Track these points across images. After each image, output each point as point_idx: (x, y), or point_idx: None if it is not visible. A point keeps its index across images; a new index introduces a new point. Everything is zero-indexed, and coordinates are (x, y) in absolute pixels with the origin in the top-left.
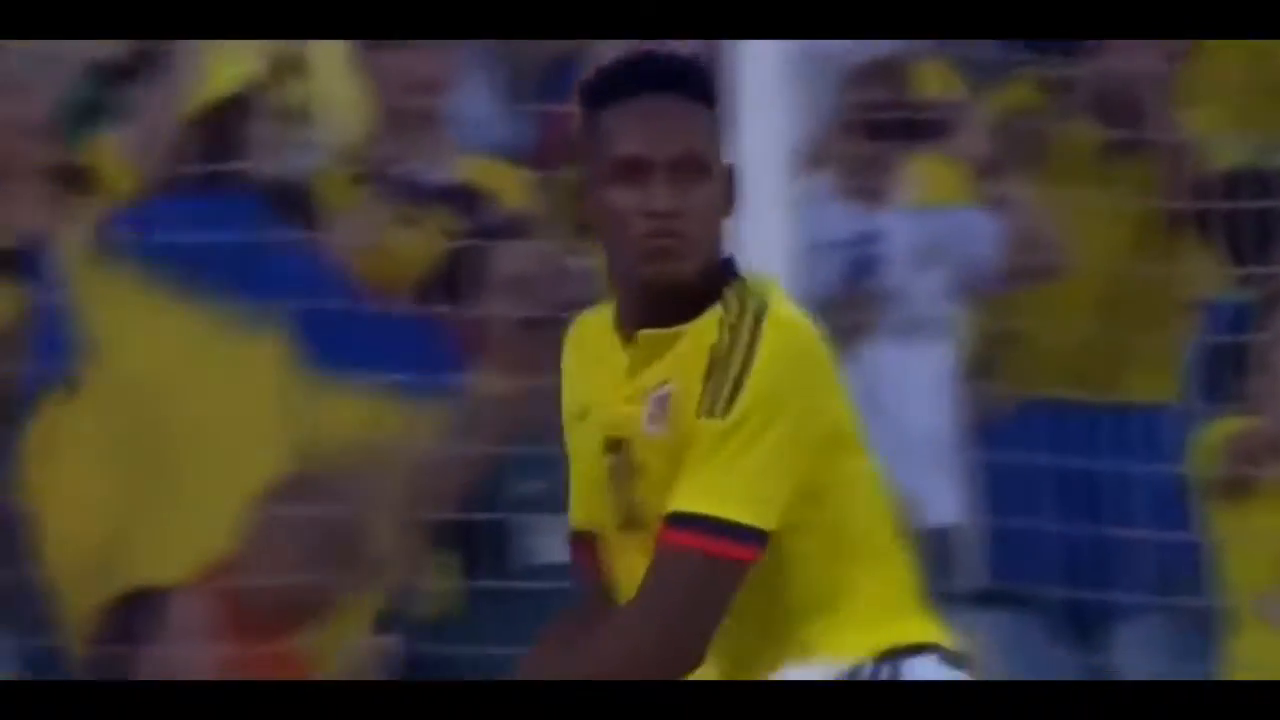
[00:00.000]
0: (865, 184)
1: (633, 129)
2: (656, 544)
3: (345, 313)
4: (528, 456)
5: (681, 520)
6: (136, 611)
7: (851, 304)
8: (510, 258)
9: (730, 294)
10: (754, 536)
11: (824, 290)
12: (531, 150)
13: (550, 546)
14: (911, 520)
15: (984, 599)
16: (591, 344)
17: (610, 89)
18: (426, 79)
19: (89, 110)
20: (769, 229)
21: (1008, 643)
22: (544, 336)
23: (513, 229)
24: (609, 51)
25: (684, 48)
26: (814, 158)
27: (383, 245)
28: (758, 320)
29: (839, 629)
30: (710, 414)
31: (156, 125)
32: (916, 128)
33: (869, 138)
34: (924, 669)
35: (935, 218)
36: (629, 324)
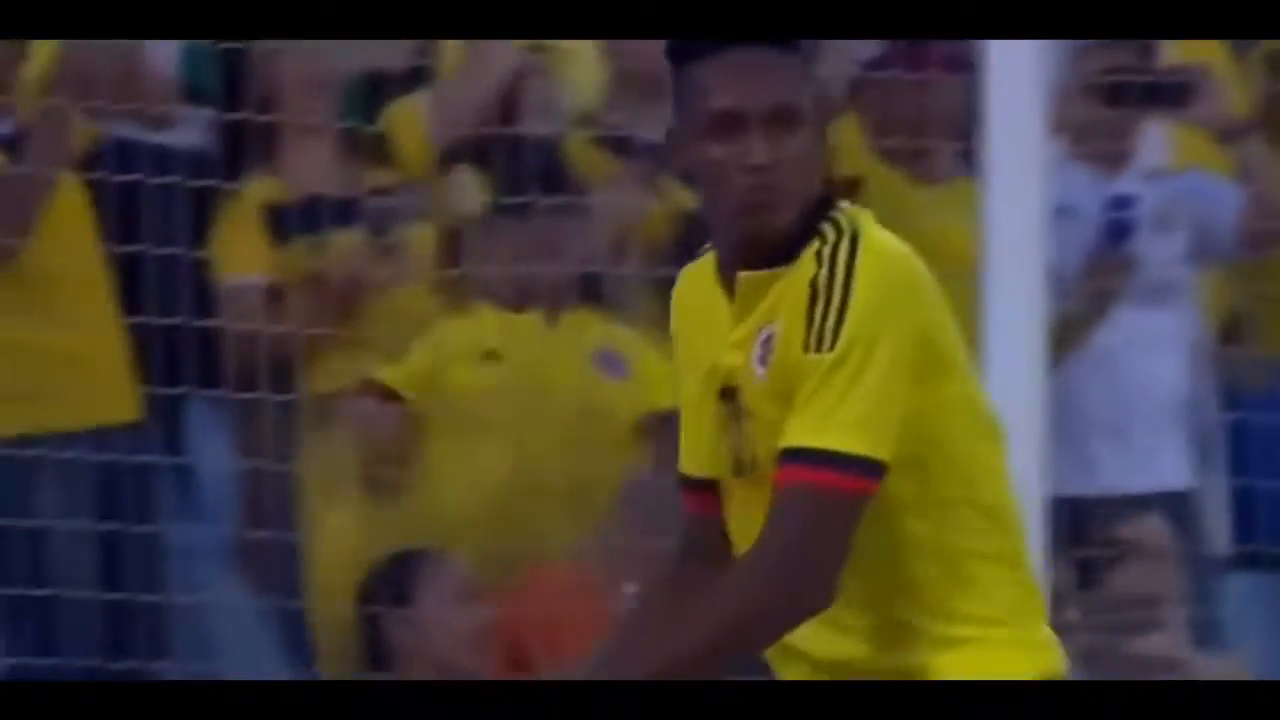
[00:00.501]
0: (1107, 149)
1: (726, 82)
2: (773, 484)
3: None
4: None
5: (796, 455)
6: (406, 571)
7: (1105, 268)
8: None
9: (826, 227)
10: (871, 467)
11: (1076, 255)
12: None
13: None
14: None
15: (1233, 563)
16: (696, 295)
17: (699, 46)
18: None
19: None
20: (1019, 195)
21: (1258, 606)
22: None
23: None
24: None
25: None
26: (1054, 123)
27: (644, 211)
28: (853, 250)
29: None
30: (817, 349)
31: (462, 97)
32: (1158, 93)
33: (1110, 104)
34: None
35: (1175, 183)
36: (729, 271)
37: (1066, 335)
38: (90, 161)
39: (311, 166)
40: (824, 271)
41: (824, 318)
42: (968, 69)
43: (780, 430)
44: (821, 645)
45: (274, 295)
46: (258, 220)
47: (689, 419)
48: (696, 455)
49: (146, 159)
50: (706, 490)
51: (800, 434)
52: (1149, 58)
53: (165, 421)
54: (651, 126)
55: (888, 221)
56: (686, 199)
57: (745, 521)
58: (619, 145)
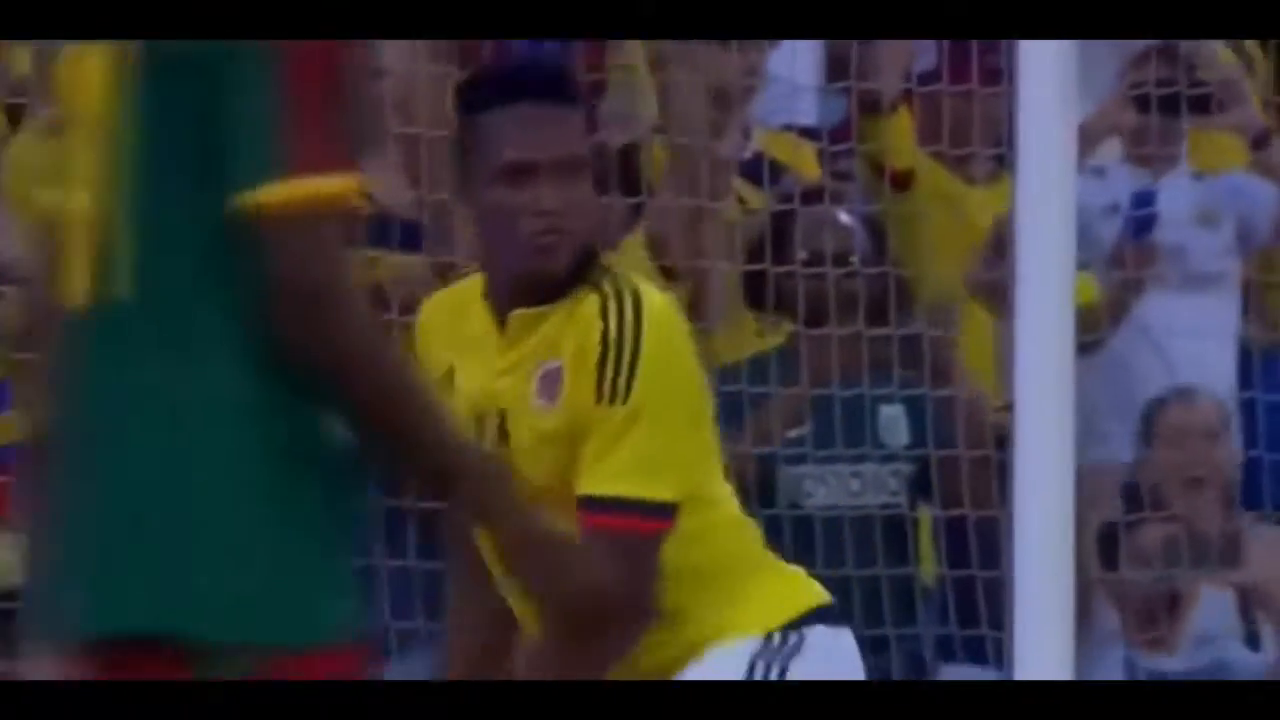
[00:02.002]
0: (1150, 153)
1: (516, 134)
2: (581, 527)
3: None
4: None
5: (601, 503)
6: None
7: (1130, 260)
8: (804, 224)
9: (604, 281)
10: (666, 508)
11: (1103, 248)
12: (837, 124)
13: (815, 489)
14: None
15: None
16: (454, 319)
17: (490, 97)
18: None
19: None
20: (1051, 194)
21: None
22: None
23: (808, 197)
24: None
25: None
26: (1098, 129)
27: (701, 213)
28: (637, 309)
29: (737, 597)
30: (610, 401)
31: None
32: (1196, 102)
33: (1152, 111)
34: (821, 635)
35: (1214, 183)
36: (500, 304)
37: (1101, 318)
38: None
39: (385, 184)
40: (613, 327)
41: (615, 373)
42: (1005, 80)
43: (543, 454)
44: None
45: None
46: None
47: None
48: None
49: None
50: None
51: (601, 482)
52: (1189, 68)
53: None
54: (724, 138)
55: (940, 214)
56: (755, 199)
57: None
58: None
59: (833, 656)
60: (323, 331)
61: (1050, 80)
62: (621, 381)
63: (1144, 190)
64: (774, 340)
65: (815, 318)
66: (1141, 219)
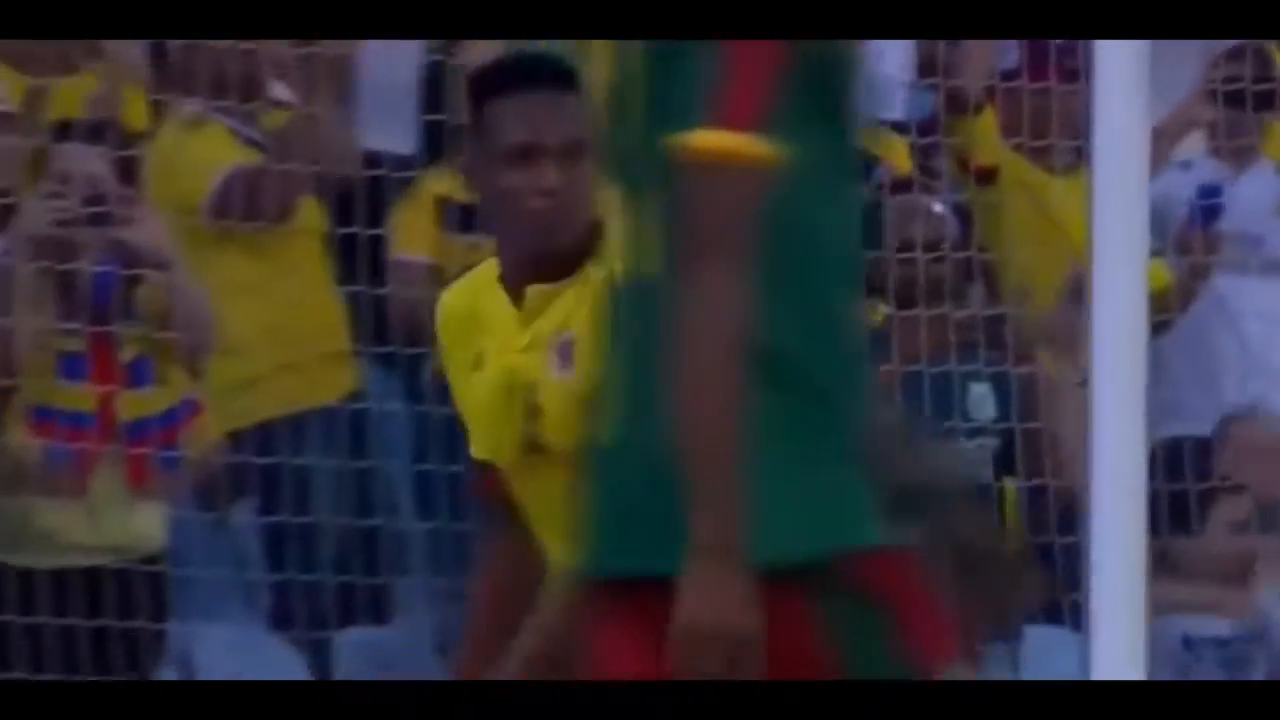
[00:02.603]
0: (1229, 146)
1: (523, 119)
2: None
3: None
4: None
5: None
6: None
7: (1196, 247)
8: (895, 212)
9: (611, 253)
10: None
11: (1174, 236)
12: (925, 119)
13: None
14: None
15: None
16: (473, 306)
17: (496, 85)
18: None
19: None
20: (1125, 185)
21: None
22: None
23: (897, 187)
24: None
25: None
26: (1180, 124)
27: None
28: None
29: None
30: None
31: None
32: (1269, 98)
33: (1231, 106)
34: None
35: None
36: (516, 283)
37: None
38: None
39: None
40: None
41: None
42: (1082, 77)
43: (573, 420)
44: None
45: (436, 274)
46: (431, 210)
47: (476, 413)
48: (485, 443)
49: None
50: (492, 471)
51: None
52: (1264, 65)
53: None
54: None
55: (1021, 203)
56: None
57: (540, 498)
58: None
59: None
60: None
61: (1124, 78)
62: None
63: (1212, 183)
64: (868, 322)
65: (906, 301)
66: (1208, 208)
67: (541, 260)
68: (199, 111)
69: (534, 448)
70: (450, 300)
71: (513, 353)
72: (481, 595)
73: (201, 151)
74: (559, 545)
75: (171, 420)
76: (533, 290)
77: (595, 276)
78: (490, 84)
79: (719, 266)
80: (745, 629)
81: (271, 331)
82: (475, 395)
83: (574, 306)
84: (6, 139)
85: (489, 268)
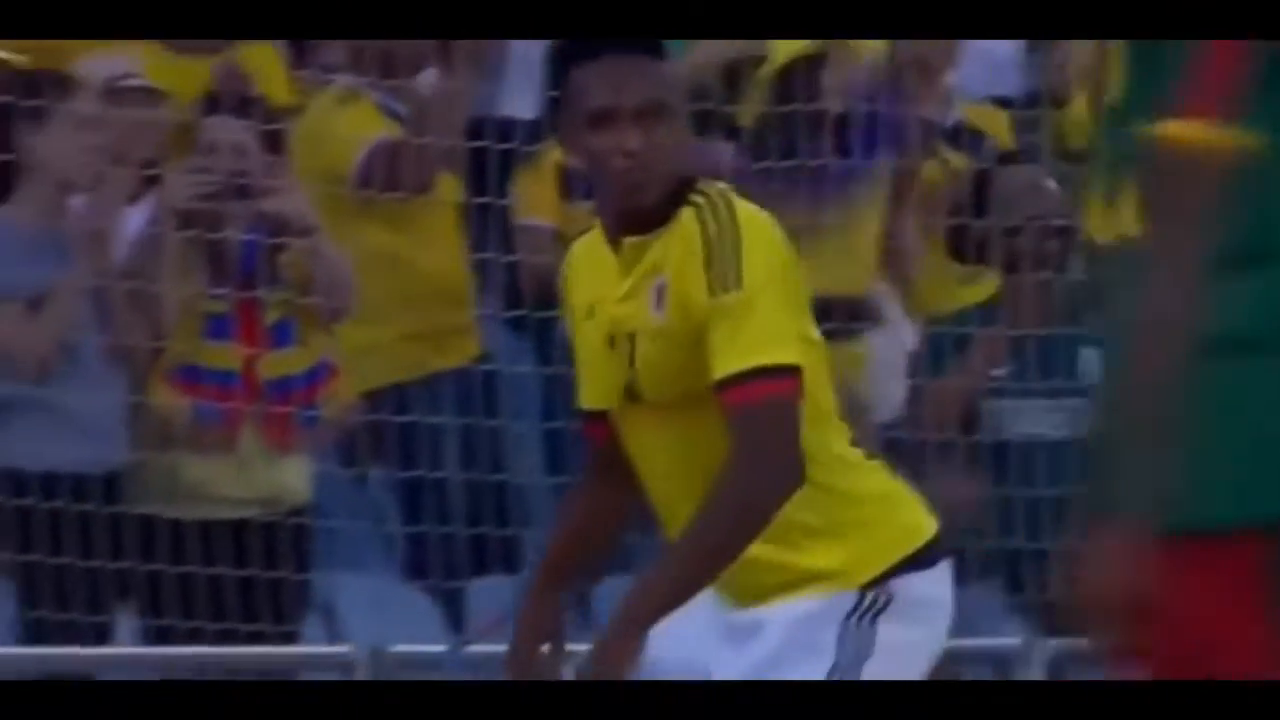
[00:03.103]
0: None
1: (602, 84)
2: (725, 407)
3: None
4: None
5: (737, 379)
6: None
7: None
8: (1003, 182)
9: (696, 197)
10: (793, 370)
11: None
12: (1030, 94)
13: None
14: None
15: None
16: (589, 261)
17: (579, 51)
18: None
19: None
20: None
21: None
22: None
23: (1003, 159)
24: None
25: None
26: None
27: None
28: (730, 208)
29: (844, 528)
30: (725, 290)
31: None
32: None
33: None
34: (912, 586)
35: None
36: (615, 236)
37: None
38: None
39: None
40: (711, 228)
41: (723, 265)
42: None
43: (665, 366)
44: None
45: (560, 239)
46: (553, 176)
47: (585, 358)
48: (592, 391)
49: None
50: (601, 420)
51: (731, 362)
52: None
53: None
54: (927, 105)
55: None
56: (959, 161)
57: (641, 442)
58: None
59: (919, 608)
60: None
61: None
62: (730, 271)
63: None
64: (978, 289)
65: (1012, 269)
66: None
67: (631, 215)
68: (351, 85)
69: (632, 396)
70: (572, 255)
71: (613, 303)
72: (555, 539)
73: (349, 124)
74: (663, 494)
75: (312, 380)
76: (628, 242)
77: (683, 218)
78: (574, 51)
79: (1182, 249)
80: (1137, 594)
81: (405, 299)
82: (585, 345)
83: (663, 254)
84: (149, 113)
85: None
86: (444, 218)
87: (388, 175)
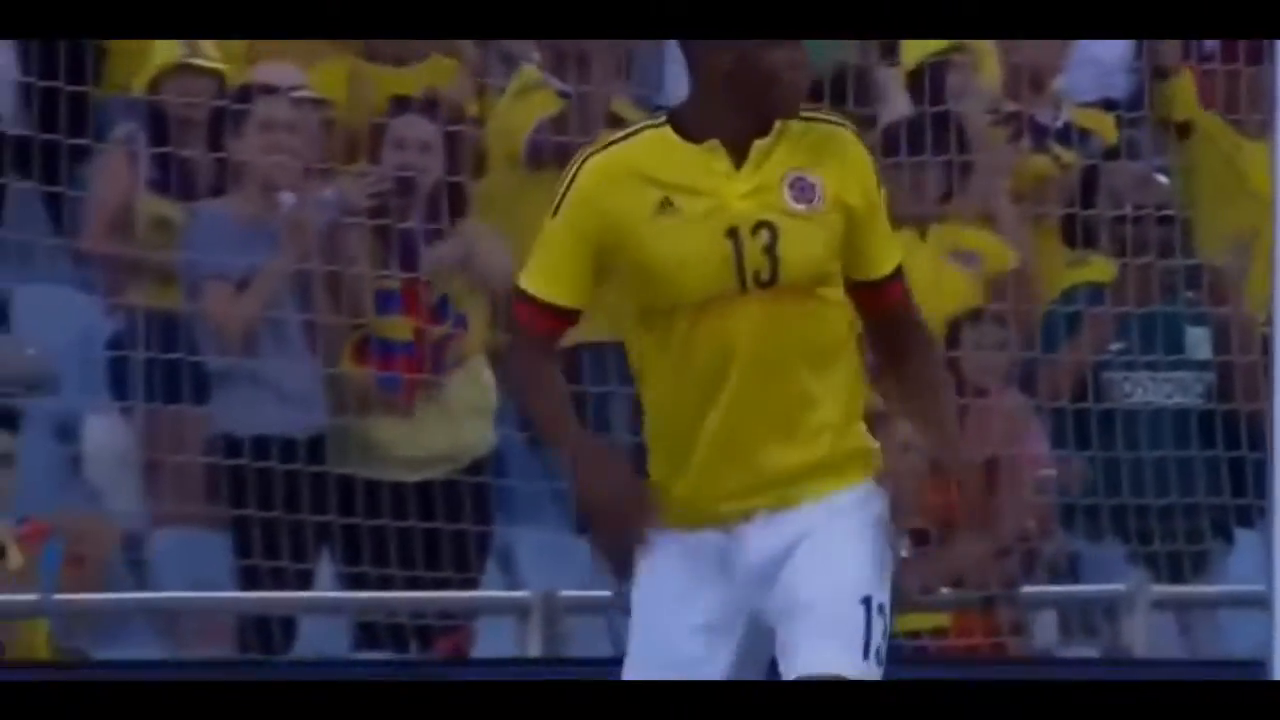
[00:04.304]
0: None
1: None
2: (891, 296)
3: None
4: None
5: (897, 273)
6: None
7: None
8: (1110, 176)
9: (813, 111)
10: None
11: None
12: (1132, 95)
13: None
14: None
15: None
16: (645, 165)
17: None
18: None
19: None
20: None
21: None
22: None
23: (1109, 155)
24: None
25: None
26: None
27: (1017, 167)
28: (857, 134)
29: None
30: (879, 200)
31: None
32: None
33: None
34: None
35: None
36: (740, 142)
37: None
38: None
39: None
40: (864, 146)
41: (877, 177)
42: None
43: (809, 252)
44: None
45: None
46: None
47: (677, 251)
48: (687, 280)
49: None
50: (566, 317)
51: (896, 258)
52: None
53: None
54: (1042, 109)
55: (1217, 164)
56: (1067, 157)
57: (742, 329)
58: (1013, 120)
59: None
60: None
61: None
62: (880, 184)
63: None
64: (1085, 270)
65: (1121, 253)
66: None
67: (768, 122)
68: (538, 77)
69: (761, 282)
70: (608, 165)
71: (735, 199)
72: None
73: (529, 111)
74: (742, 381)
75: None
76: (758, 145)
77: (816, 129)
78: None
79: None
80: None
81: None
82: (672, 239)
83: (789, 154)
84: (316, 118)
85: (648, 139)
86: None
87: (553, 147)
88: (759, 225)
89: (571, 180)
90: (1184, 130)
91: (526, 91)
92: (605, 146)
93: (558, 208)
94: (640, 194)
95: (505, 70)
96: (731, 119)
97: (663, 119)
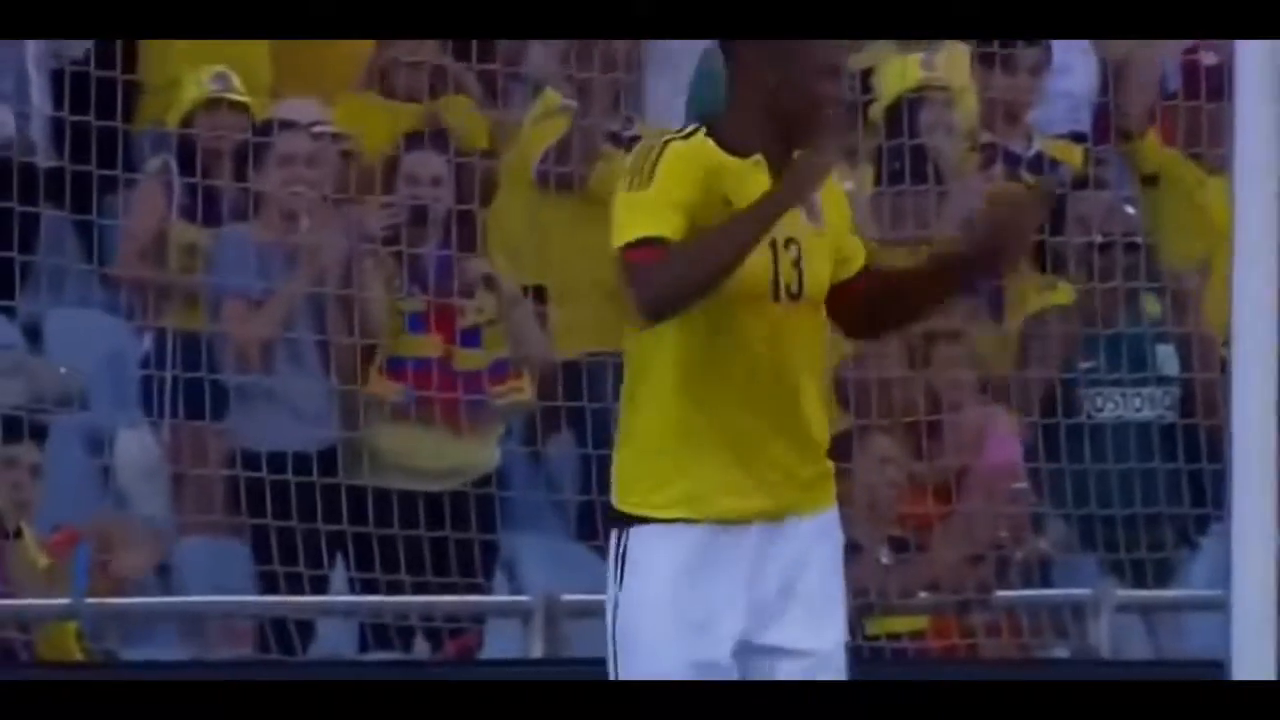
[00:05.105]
0: None
1: (834, 44)
2: (861, 284)
3: None
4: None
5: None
6: None
7: None
8: (1078, 204)
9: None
10: None
11: None
12: (1103, 130)
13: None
14: None
15: None
16: (713, 164)
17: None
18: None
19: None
20: (1260, 207)
21: None
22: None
23: (1077, 185)
24: None
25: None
26: None
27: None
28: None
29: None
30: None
31: None
32: None
33: None
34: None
35: None
36: (779, 158)
37: None
38: None
39: None
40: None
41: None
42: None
43: (824, 267)
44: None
45: None
46: None
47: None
48: (740, 284)
49: None
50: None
51: (863, 254)
52: None
53: None
54: (1015, 141)
55: (1181, 202)
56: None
57: (779, 339)
58: (988, 151)
59: None
60: None
61: (1259, 94)
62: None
63: None
64: (1057, 296)
65: (1089, 277)
66: None
67: (801, 144)
68: (559, 102)
69: (791, 295)
70: (689, 151)
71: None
72: None
73: (543, 135)
74: (771, 387)
75: (498, 370)
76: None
77: (812, 151)
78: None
79: None
80: None
81: (591, 283)
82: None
83: None
84: (331, 151)
85: (701, 141)
86: None
87: (556, 164)
88: (789, 240)
89: (658, 158)
90: (1150, 180)
91: (548, 116)
92: (672, 139)
93: (645, 181)
94: (710, 186)
95: (527, 95)
96: (774, 137)
97: (698, 129)
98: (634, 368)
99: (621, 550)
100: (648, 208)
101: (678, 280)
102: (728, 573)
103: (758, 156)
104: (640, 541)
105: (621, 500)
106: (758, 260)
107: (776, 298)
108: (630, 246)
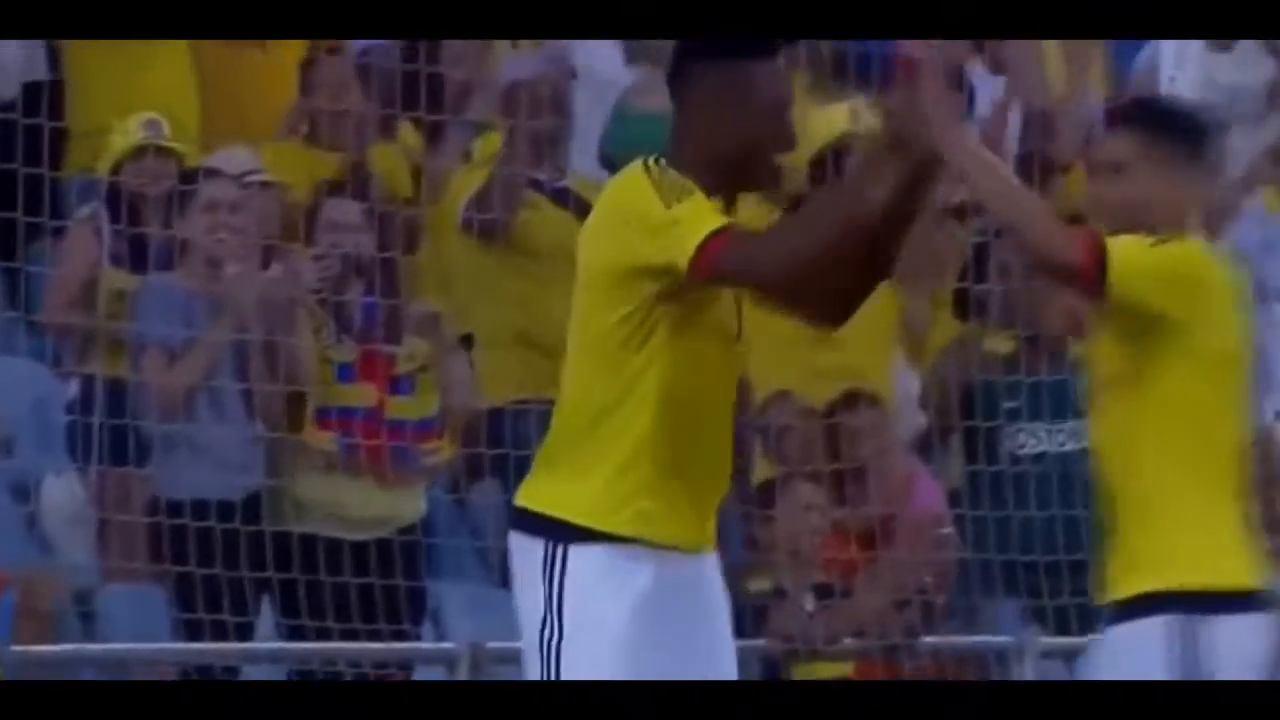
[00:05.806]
0: None
1: (784, 78)
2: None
3: None
4: None
5: None
6: None
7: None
8: (1000, 250)
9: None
10: None
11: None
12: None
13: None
14: None
15: None
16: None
17: (757, 49)
18: None
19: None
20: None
21: None
22: None
23: (999, 232)
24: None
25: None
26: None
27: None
28: None
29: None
30: None
31: None
32: None
33: None
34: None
35: None
36: (729, 197)
37: None
38: None
39: None
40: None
41: None
42: None
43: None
44: None
45: None
46: None
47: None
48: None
49: None
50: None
51: None
52: None
53: None
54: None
55: None
56: (963, 235)
57: (725, 382)
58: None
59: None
60: None
61: None
62: None
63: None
64: (994, 344)
65: (1010, 324)
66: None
67: (748, 187)
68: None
69: (739, 333)
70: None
71: None
72: None
73: (469, 182)
74: (709, 428)
75: (422, 428)
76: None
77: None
78: (751, 48)
79: None
80: None
81: (516, 332)
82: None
83: (746, 218)
84: (269, 200)
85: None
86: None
87: (477, 212)
88: None
89: (676, 177)
90: (1077, 220)
91: (482, 163)
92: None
93: (685, 192)
94: None
95: (468, 136)
96: (721, 176)
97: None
98: (598, 401)
99: (558, 568)
100: (693, 212)
101: (814, 241)
102: (683, 606)
103: (718, 199)
104: (586, 563)
105: (553, 504)
106: (728, 300)
107: (739, 337)
108: (711, 237)
